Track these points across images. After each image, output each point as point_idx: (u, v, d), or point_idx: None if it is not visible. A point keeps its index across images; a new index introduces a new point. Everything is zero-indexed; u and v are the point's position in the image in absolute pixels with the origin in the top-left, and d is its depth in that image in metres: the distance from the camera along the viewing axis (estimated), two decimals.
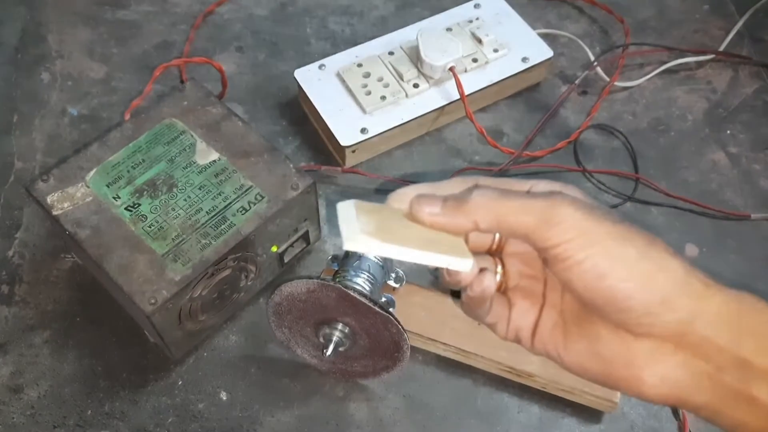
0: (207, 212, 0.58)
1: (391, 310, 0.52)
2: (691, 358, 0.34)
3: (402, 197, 0.38)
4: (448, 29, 0.77)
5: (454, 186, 0.38)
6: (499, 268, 0.40)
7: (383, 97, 0.72)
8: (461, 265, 0.36)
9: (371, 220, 0.37)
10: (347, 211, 0.38)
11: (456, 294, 0.42)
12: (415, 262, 0.36)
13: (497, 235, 0.40)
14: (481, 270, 0.37)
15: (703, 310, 0.34)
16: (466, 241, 0.38)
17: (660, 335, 0.34)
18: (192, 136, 0.62)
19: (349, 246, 0.35)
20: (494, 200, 0.35)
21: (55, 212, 0.58)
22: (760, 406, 0.33)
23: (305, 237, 0.64)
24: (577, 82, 0.78)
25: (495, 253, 0.41)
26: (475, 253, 0.39)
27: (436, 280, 0.59)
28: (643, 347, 0.35)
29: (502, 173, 0.72)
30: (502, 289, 0.41)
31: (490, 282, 0.37)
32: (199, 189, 0.59)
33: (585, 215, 0.34)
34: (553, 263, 0.35)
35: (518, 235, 0.35)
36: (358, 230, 0.35)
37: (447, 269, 0.37)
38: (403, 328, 0.52)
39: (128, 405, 0.60)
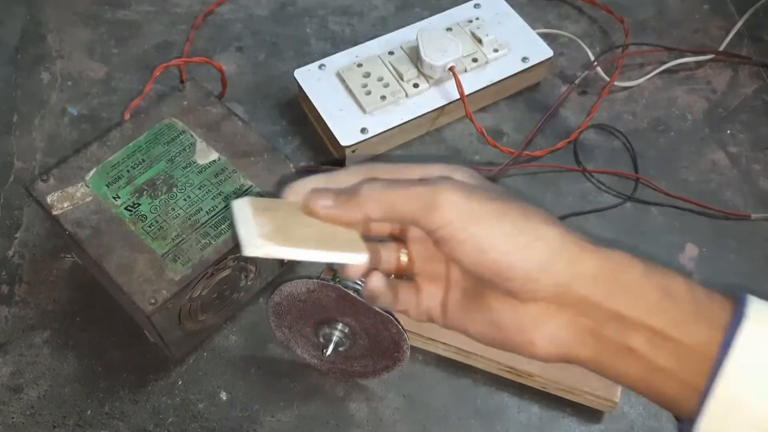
0: (207, 212, 0.58)
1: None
2: (574, 317, 0.37)
3: (298, 190, 0.40)
4: (448, 29, 0.77)
5: (349, 177, 0.40)
6: (404, 253, 0.42)
7: (383, 97, 0.72)
8: (356, 259, 0.38)
9: (269, 219, 0.37)
10: (243, 210, 0.38)
11: None
12: (315, 261, 0.37)
13: None
14: (371, 271, 0.40)
15: (579, 272, 0.36)
16: (368, 230, 0.40)
17: (544, 299, 0.37)
18: (192, 135, 0.62)
19: (248, 252, 0.36)
20: (382, 191, 0.38)
21: (55, 212, 0.58)
22: (638, 357, 0.36)
23: None
24: (577, 82, 0.78)
25: (399, 237, 0.43)
26: (380, 238, 0.42)
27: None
28: (530, 312, 0.37)
29: (502, 173, 0.72)
30: (408, 273, 0.42)
31: (377, 284, 0.40)
32: (199, 189, 0.59)
33: (464, 197, 0.36)
34: (441, 244, 0.37)
35: (407, 222, 0.38)
36: (256, 234, 0.36)
37: (338, 267, 0.39)
38: (403, 328, 0.52)
39: (128, 405, 0.60)
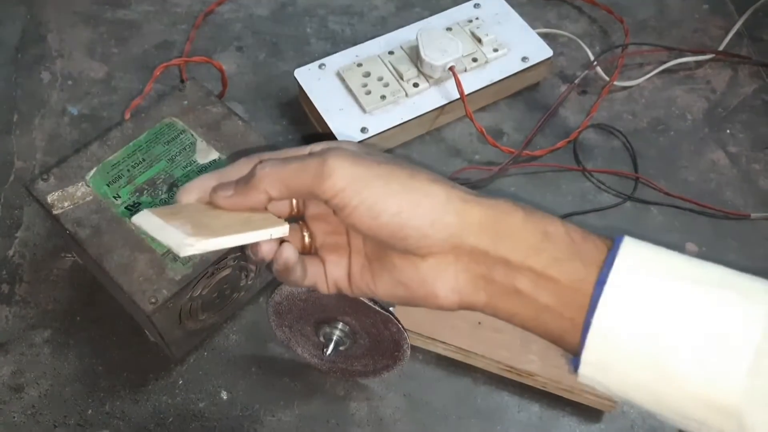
0: None
1: (391, 309, 0.52)
2: (468, 265, 0.39)
3: (190, 191, 0.41)
4: (448, 29, 0.77)
5: (240, 168, 0.42)
6: (306, 232, 0.44)
7: (383, 97, 0.72)
8: (280, 231, 0.40)
9: (182, 221, 0.38)
10: (149, 221, 0.39)
11: None
12: (241, 245, 0.38)
13: (294, 201, 0.44)
14: (281, 243, 0.41)
15: (466, 222, 0.38)
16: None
17: (440, 252, 0.39)
18: (192, 135, 0.62)
19: (184, 252, 0.36)
20: (276, 168, 0.39)
21: (55, 211, 0.58)
22: (524, 297, 0.38)
23: None
24: (576, 81, 0.78)
25: (297, 217, 0.44)
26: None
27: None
28: (429, 265, 0.39)
29: (502, 173, 0.72)
30: (313, 250, 0.44)
31: (289, 253, 0.41)
32: None
33: (352, 163, 0.38)
34: (337, 212, 0.39)
35: (303, 194, 0.39)
36: (182, 235, 0.36)
37: (250, 248, 0.40)
38: (403, 327, 0.52)
39: (129, 404, 0.60)
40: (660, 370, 0.35)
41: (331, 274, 0.43)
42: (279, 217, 0.42)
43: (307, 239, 0.44)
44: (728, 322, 0.34)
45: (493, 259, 0.38)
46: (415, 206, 0.38)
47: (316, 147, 0.42)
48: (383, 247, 0.40)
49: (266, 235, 0.39)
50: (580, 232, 0.38)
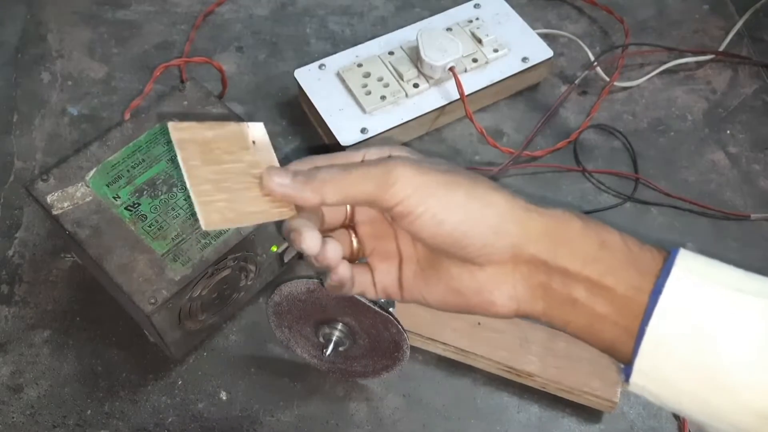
0: None
1: (390, 309, 0.52)
2: (527, 273, 0.39)
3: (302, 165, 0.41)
4: (448, 29, 0.77)
5: (302, 165, 0.41)
6: (354, 239, 0.44)
7: (383, 97, 0.72)
8: (283, 214, 0.39)
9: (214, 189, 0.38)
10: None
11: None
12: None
13: (348, 209, 0.44)
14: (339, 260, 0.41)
15: (526, 232, 0.39)
16: (322, 221, 0.42)
17: (499, 261, 0.39)
18: None
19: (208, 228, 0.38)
20: (338, 175, 0.39)
21: (55, 212, 0.58)
22: (580, 305, 0.38)
23: None
24: (576, 82, 0.78)
25: (348, 226, 0.44)
26: (331, 229, 0.44)
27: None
28: (487, 274, 0.39)
29: (502, 173, 0.72)
30: (361, 255, 0.44)
31: (346, 272, 0.41)
32: None
33: (416, 171, 0.38)
34: (399, 220, 0.39)
35: (363, 202, 0.39)
36: (211, 210, 0.37)
37: (315, 257, 0.40)
38: (402, 327, 0.52)
39: (128, 405, 0.60)
40: (713, 379, 0.35)
41: (380, 281, 0.43)
42: (332, 225, 0.43)
43: (355, 245, 0.44)
44: None
45: (552, 268, 0.38)
46: (479, 215, 0.38)
47: (370, 154, 0.42)
48: (439, 255, 0.40)
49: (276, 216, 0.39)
50: (636, 242, 0.38)
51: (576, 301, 0.38)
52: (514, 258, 0.39)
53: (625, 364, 0.38)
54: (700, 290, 0.36)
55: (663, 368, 0.36)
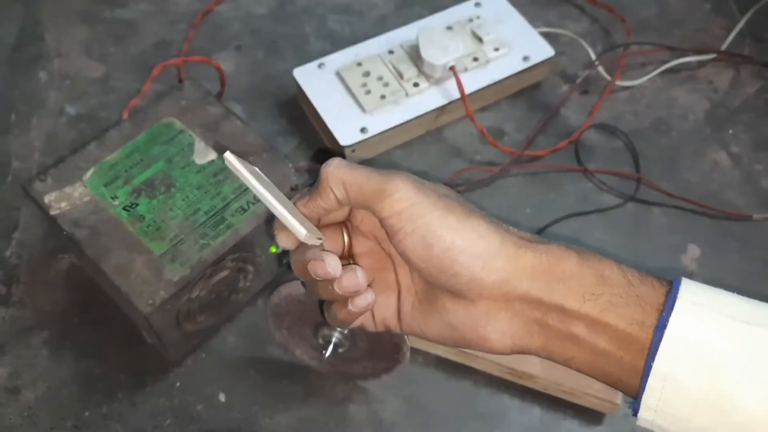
0: (205, 212, 0.58)
1: None
2: (521, 310, 0.38)
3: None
4: (449, 28, 0.76)
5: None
6: (346, 235, 0.44)
7: (383, 97, 0.72)
8: (312, 239, 0.39)
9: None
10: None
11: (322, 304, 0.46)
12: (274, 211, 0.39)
13: (346, 239, 0.43)
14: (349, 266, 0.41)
15: (517, 268, 0.38)
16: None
17: (490, 296, 0.38)
18: (190, 135, 0.62)
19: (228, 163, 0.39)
20: (342, 169, 0.39)
21: (52, 212, 0.57)
22: (581, 342, 0.38)
23: None
24: (578, 81, 0.77)
25: (349, 257, 0.44)
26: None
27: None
28: (480, 309, 0.39)
29: (503, 173, 0.72)
30: (353, 260, 0.44)
31: (362, 277, 0.40)
32: (198, 189, 0.59)
33: (416, 189, 0.38)
34: (391, 235, 0.39)
35: (361, 204, 0.39)
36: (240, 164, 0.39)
37: (338, 282, 0.40)
38: None
39: (126, 407, 0.60)
40: (723, 414, 0.35)
41: (379, 312, 0.43)
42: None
43: (346, 241, 0.44)
44: None
45: (547, 306, 0.38)
46: (468, 244, 0.38)
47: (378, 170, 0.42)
48: (434, 288, 0.40)
49: (302, 230, 0.39)
50: (636, 274, 0.38)
51: (577, 337, 0.38)
52: (505, 294, 0.38)
53: (633, 398, 0.37)
54: (706, 325, 0.35)
55: (672, 404, 0.36)
